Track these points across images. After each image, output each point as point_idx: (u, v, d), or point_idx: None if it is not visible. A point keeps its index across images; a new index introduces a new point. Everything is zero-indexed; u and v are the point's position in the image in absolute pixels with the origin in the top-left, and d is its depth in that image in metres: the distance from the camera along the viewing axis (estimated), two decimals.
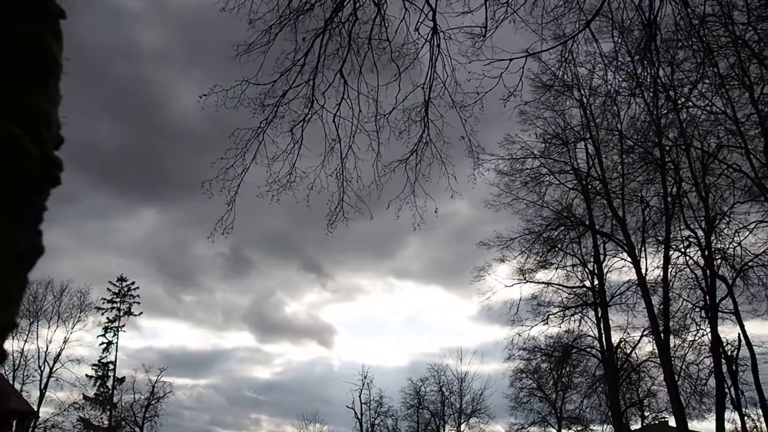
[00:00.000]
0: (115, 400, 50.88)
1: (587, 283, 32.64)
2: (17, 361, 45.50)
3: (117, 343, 52.04)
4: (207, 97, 10.73)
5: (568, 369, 36.50)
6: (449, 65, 11.06)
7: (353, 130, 11.29)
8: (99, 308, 51.51)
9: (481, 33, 10.78)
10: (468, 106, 11.57)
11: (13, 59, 0.69)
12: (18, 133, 0.66)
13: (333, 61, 10.67)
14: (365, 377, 54.77)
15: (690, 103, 24.08)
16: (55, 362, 46.62)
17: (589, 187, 31.34)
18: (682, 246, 28.34)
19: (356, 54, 10.53)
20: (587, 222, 31.30)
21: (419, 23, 10.73)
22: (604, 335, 31.37)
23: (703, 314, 27.55)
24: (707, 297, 27.11)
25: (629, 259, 29.44)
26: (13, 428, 30.80)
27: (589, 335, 32.86)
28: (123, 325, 52.61)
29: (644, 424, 37.41)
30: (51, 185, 0.76)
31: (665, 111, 23.30)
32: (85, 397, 49.23)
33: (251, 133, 10.94)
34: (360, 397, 54.27)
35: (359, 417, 53.83)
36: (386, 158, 11.94)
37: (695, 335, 28.24)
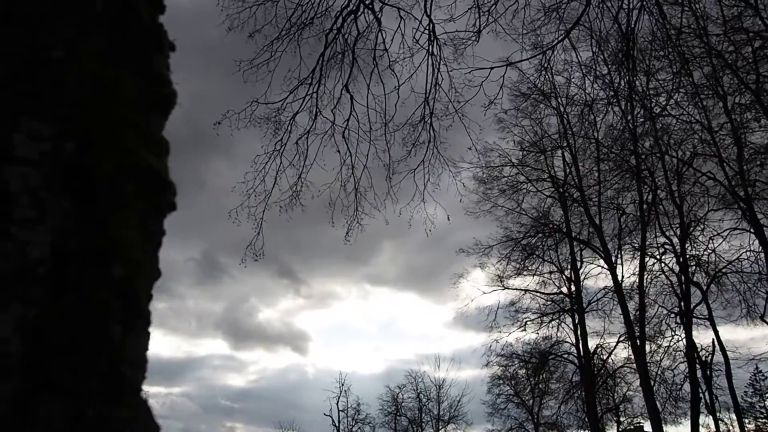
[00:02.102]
0: None
1: (564, 290, 32.94)
2: None
3: None
4: (220, 123, 10.68)
5: (545, 375, 36.75)
6: (447, 73, 11.30)
7: (363, 142, 11.49)
8: None
9: (475, 38, 10.99)
10: (455, 113, 11.81)
11: (148, 93, 0.73)
12: (160, 164, 0.70)
13: (336, 72, 10.74)
14: (343, 384, 54.52)
15: (665, 112, 24.48)
16: None
17: (566, 194, 31.64)
18: (657, 253, 28.69)
19: (356, 62, 10.61)
20: (564, 229, 31.57)
21: (416, 32, 10.87)
22: (581, 341, 31.65)
23: (678, 320, 27.90)
24: (682, 303, 27.45)
25: (606, 265, 29.73)
26: None
27: (566, 341, 33.15)
28: None
29: (620, 429, 37.74)
30: (170, 210, 0.80)
31: (641, 120, 23.66)
32: None
33: (269, 156, 10.95)
34: (337, 404, 54.02)
35: (336, 425, 53.56)
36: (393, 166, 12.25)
37: (670, 341, 28.61)
